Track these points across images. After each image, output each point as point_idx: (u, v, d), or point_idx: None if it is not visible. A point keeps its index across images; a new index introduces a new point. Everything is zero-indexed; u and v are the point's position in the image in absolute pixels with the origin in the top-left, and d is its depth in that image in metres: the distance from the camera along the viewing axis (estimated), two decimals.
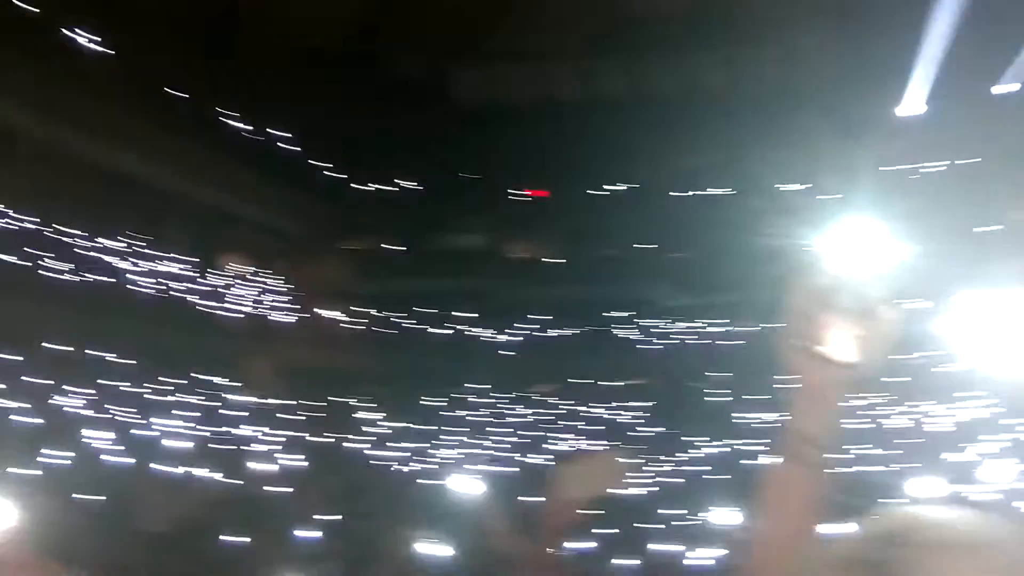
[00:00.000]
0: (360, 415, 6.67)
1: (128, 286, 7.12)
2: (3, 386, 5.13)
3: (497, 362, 7.86)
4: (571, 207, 8.91)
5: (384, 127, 8.57)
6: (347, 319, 7.96)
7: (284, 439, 5.74)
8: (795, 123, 7.59)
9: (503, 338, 8.25)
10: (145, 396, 6.00)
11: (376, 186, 8.59)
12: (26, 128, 7.15)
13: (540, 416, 6.79)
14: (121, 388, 5.94)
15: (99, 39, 7.32)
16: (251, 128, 8.05)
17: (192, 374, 6.18)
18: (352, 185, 8.51)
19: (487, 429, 6.74)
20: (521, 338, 8.16)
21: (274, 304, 7.77)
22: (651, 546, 4.24)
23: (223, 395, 5.97)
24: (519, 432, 6.51)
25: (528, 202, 8.91)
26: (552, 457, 5.62)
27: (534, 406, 6.98)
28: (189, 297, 7.29)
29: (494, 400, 7.12)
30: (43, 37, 7.06)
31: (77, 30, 7.27)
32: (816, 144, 7.86)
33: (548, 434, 6.41)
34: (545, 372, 7.51)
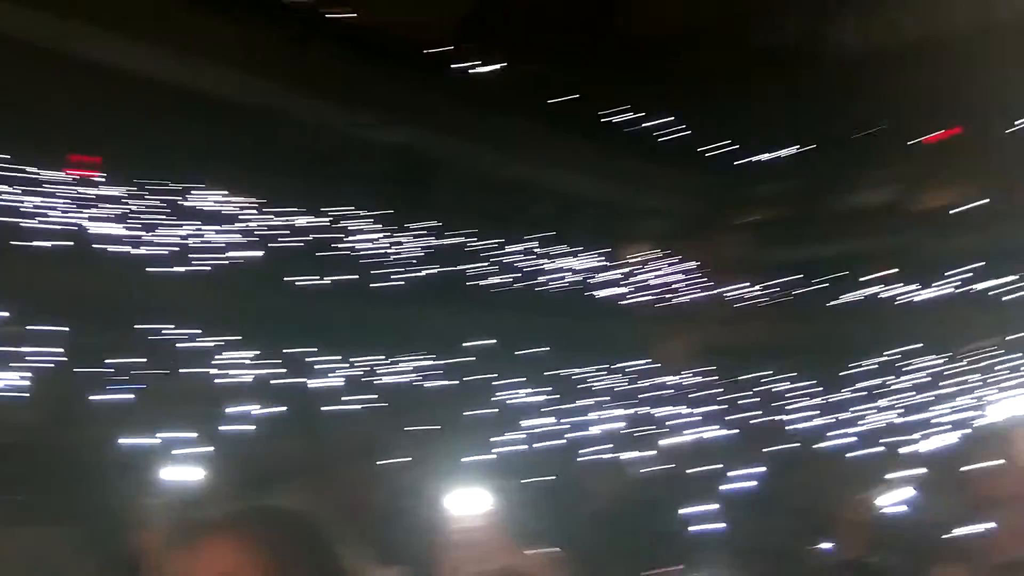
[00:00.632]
0: (778, 388, 6.54)
1: (540, 285, 7.63)
2: (455, 383, 5.80)
3: (922, 322, 7.28)
4: (987, 145, 8.00)
5: (765, 93, 8.33)
6: (755, 292, 7.84)
7: (704, 417, 5.81)
8: None
9: (924, 296, 7.62)
10: (569, 383, 6.40)
11: (768, 154, 8.36)
12: (439, 153, 7.99)
13: (984, 376, 6.17)
14: (545, 377, 6.39)
15: (485, 60, 7.95)
16: (635, 117, 8.24)
17: (610, 360, 6.48)
18: (742, 157, 8.37)
19: (917, 395, 6.27)
20: (947, 293, 7.47)
21: (680, 285, 7.88)
22: None
23: (642, 378, 6.19)
24: (959, 395, 5.98)
25: (936, 146, 8.15)
26: (1008, 420, 5.09)
27: (974, 365, 6.36)
28: (598, 288, 7.64)
29: (924, 363, 6.61)
30: (438, 67, 7.83)
31: (465, 55, 7.97)
32: None
33: (997, 395, 5.81)
34: (980, 328, 6.81)
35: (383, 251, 6.95)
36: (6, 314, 4.97)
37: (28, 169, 5.94)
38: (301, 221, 6.57)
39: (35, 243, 5.67)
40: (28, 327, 4.92)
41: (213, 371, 5.22)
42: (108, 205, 6.12)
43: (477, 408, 5.19)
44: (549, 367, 6.32)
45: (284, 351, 5.59)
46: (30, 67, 5.69)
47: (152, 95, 6.12)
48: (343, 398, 5.18)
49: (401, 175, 7.43)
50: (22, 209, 5.84)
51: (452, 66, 7.64)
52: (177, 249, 6.08)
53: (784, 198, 8.55)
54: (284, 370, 5.47)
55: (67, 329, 4.97)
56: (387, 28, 7.19)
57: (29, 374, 4.40)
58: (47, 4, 5.65)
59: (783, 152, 8.51)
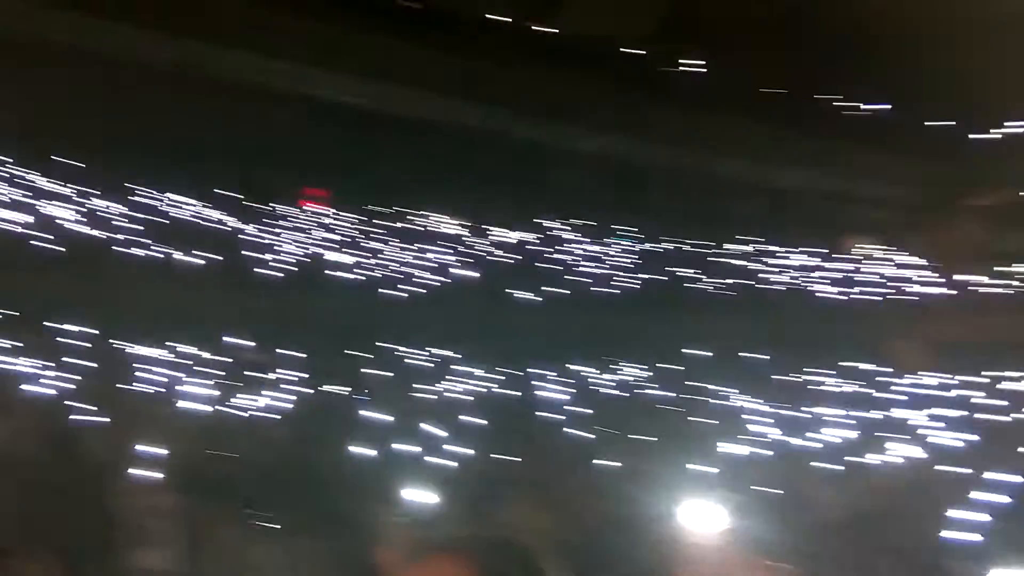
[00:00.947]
0: None
1: (757, 286, 7.42)
2: (672, 394, 5.75)
3: None
4: None
5: (992, 61, 7.73)
6: (993, 282, 7.29)
7: (945, 421, 5.46)
8: None
9: None
10: (794, 389, 6.19)
11: (1002, 130, 7.75)
12: (644, 157, 7.95)
13: None
14: (768, 383, 6.21)
15: (686, 59, 7.83)
16: (848, 104, 7.88)
17: (837, 363, 6.20)
18: (971, 135, 7.81)
19: None
20: None
21: (909, 279, 7.46)
22: None
23: (873, 381, 5.89)
24: None
25: None
26: None
27: None
28: (819, 286, 7.35)
29: None
30: (638, 71, 7.79)
31: (665, 56, 7.88)
32: None
33: None
34: None
35: (594, 261, 7.00)
36: (253, 343, 5.41)
37: (265, 207, 6.45)
38: (513, 236, 6.74)
39: (274, 273, 6.15)
40: (274, 351, 5.33)
41: (441, 387, 5.45)
42: (338, 234, 6.55)
43: (698, 417, 5.12)
44: (771, 372, 6.14)
45: (504, 367, 5.76)
46: (264, 109, 6.18)
47: (373, 125, 6.49)
48: (563, 410, 5.26)
49: (608, 182, 7.47)
50: (261, 242, 6.35)
51: (653, 68, 7.61)
52: (401, 272, 6.41)
53: (1019, 177, 7.92)
54: (505, 385, 5.63)
55: (307, 354, 5.35)
56: (586, 36, 7.25)
57: (279, 396, 4.76)
58: (277, 52, 6.12)
59: (1016, 126, 7.88)
